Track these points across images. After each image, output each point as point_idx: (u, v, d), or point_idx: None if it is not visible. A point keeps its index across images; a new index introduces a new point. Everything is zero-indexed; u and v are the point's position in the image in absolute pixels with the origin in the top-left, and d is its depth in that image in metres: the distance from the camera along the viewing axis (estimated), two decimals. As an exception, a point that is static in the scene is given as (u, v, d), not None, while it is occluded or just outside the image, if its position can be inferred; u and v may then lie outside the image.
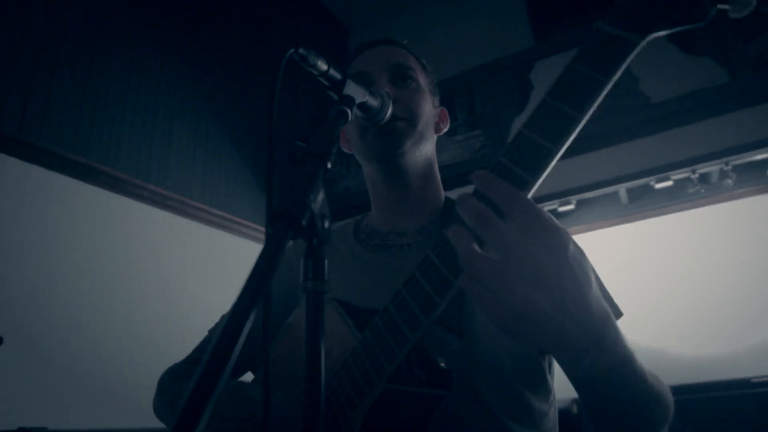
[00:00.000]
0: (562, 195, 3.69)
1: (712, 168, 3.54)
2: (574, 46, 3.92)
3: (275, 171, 0.63)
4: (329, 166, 0.59)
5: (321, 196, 0.56)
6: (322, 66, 0.73)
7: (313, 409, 0.49)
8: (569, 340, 0.54)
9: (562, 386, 0.91)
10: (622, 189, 3.83)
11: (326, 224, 0.56)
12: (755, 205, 3.94)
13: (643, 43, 0.55)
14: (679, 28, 0.55)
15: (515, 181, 0.56)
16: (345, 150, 1.12)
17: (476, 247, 0.54)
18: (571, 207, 3.83)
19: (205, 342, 1.15)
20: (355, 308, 0.86)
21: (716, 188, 3.77)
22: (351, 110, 0.74)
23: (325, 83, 0.76)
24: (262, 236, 3.85)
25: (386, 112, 0.87)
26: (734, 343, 3.80)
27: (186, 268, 3.25)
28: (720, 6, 0.54)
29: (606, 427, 0.66)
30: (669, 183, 3.59)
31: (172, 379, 1.05)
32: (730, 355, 3.79)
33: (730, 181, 3.55)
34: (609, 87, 0.55)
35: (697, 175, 3.56)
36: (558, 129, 0.55)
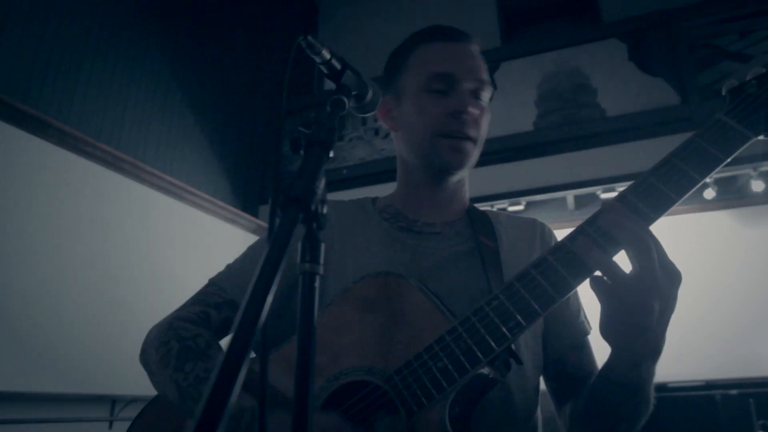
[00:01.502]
0: (513, 195, 3.80)
1: (654, 185, 3.72)
2: (539, 51, 4.03)
3: (248, 151, 0.65)
4: (332, 154, 0.62)
5: (323, 183, 0.58)
6: (326, 55, 0.75)
7: (303, 391, 0.52)
8: (645, 348, 0.75)
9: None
10: (570, 195, 3.98)
11: (325, 210, 0.59)
12: (692, 223, 4.18)
13: (753, 139, 0.78)
14: None
15: (639, 213, 0.76)
16: (385, 124, 1.12)
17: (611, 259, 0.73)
18: (520, 207, 3.96)
19: (211, 294, 1.02)
20: (432, 291, 0.88)
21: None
22: (348, 100, 0.76)
23: (325, 71, 0.78)
24: (217, 209, 3.79)
25: (376, 104, 0.89)
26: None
27: (137, 234, 3.17)
28: None
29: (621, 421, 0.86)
30: (614, 194, 3.76)
31: (186, 352, 0.89)
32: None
33: (670, 199, 3.75)
34: (725, 163, 0.76)
35: (640, 190, 3.74)
36: (681, 185, 0.76)
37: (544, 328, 1.01)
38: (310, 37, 0.71)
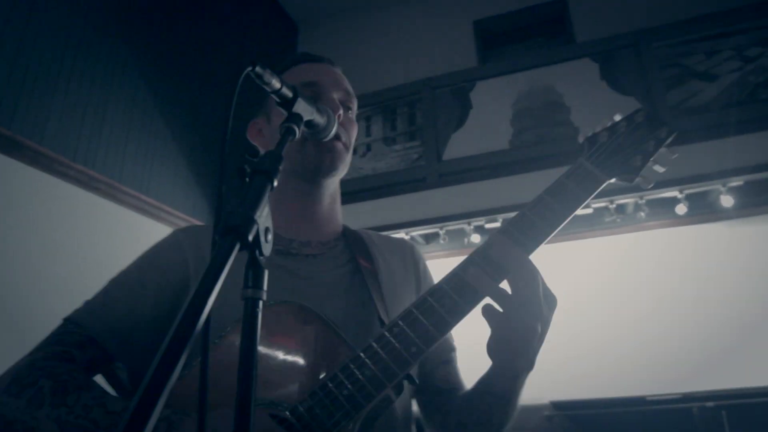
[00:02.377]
0: (489, 213, 3.85)
1: (628, 200, 3.80)
2: (514, 71, 4.10)
3: (213, 178, 0.67)
4: (275, 183, 0.64)
5: (266, 210, 0.60)
6: (276, 84, 0.77)
7: (245, 416, 0.53)
8: (525, 363, 0.85)
9: (536, 391, 1.04)
10: (546, 212, 4.03)
11: (269, 237, 0.61)
12: (663, 238, 4.25)
13: (606, 182, 0.91)
14: (620, 181, 0.95)
15: (519, 244, 0.85)
16: (256, 144, 1.13)
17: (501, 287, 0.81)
18: (497, 224, 4.00)
19: (72, 333, 0.95)
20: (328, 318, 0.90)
21: (630, 219, 4.05)
22: (299, 127, 0.78)
23: (277, 99, 0.80)
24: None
25: (331, 130, 0.92)
26: (631, 362, 4.08)
27: (112, 255, 3.14)
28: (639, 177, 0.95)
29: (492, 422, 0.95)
30: (589, 210, 3.83)
31: (57, 388, 0.81)
32: (625, 375, 4.06)
33: (642, 214, 3.82)
34: (586, 202, 0.90)
35: (614, 206, 3.82)
36: (551, 219, 0.87)
37: None
38: (258, 67, 0.73)
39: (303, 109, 0.82)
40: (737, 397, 3.59)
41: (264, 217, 0.59)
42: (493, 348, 0.85)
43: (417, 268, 1.18)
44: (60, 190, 2.93)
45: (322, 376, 0.83)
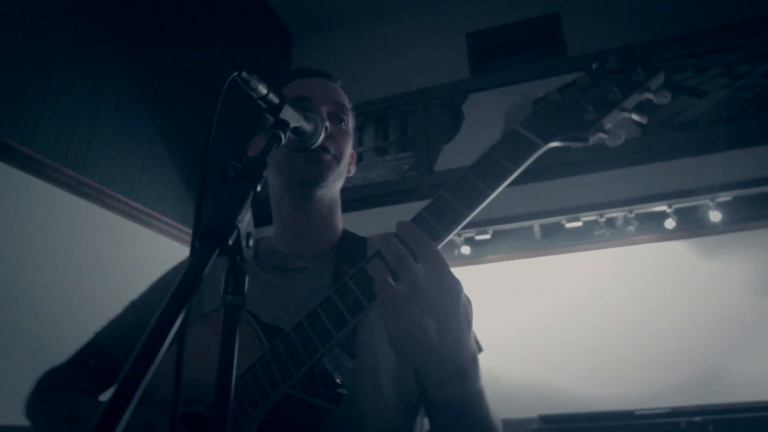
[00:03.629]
0: (479, 225, 3.85)
1: (617, 214, 3.82)
2: (506, 84, 4.13)
3: (206, 184, 0.67)
4: (258, 189, 0.64)
5: (248, 216, 0.60)
6: (262, 90, 0.77)
7: (223, 419, 0.52)
8: (442, 367, 0.71)
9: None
10: (536, 225, 4.05)
11: (250, 243, 0.60)
12: (652, 252, 4.27)
13: (545, 148, 0.75)
14: (570, 143, 0.78)
15: (431, 233, 0.71)
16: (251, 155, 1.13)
17: (391, 279, 0.69)
18: (487, 237, 4.01)
19: (90, 345, 1.10)
20: (262, 322, 0.88)
21: (620, 233, 4.07)
22: (285, 134, 0.78)
23: (263, 105, 0.80)
24: (184, 235, 3.76)
25: (318, 138, 0.92)
26: (619, 376, 4.08)
27: (101, 261, 3.12)
28: (599, 136, 0.78)
29: None
30: (579, 224, 3.84)
31: (54, 387, 0.99)
32: (613, 389, 4.07)
33: (632, 228, 3.84)
34: (516, 173, 0.74)
35: (604, 219, 3.83)
36: (471, 198, 0.73)
37: None
38: (244, 73, 0.73)
39: (290, 115, 0.81)
40: (725, 412, 3.60)
41: (246, 222, 0.59)
42: (394, 350, 0.72)
43: None
44: (50, 195, 2.91)
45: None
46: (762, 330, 3.99)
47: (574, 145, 0.78)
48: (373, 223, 3.97)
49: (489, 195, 0.72)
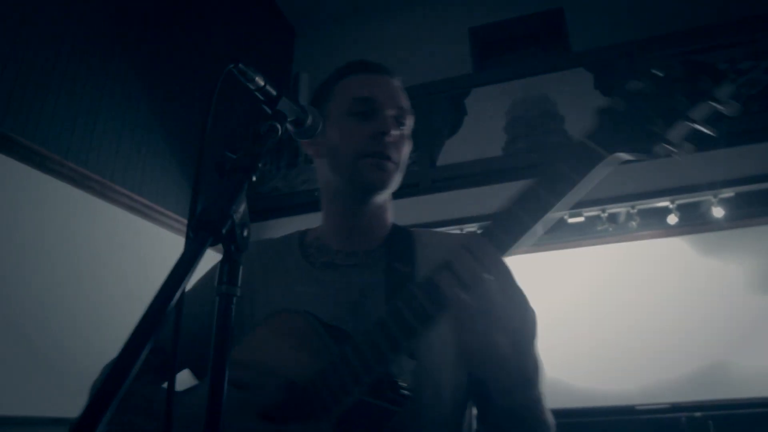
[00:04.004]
0: (482, 219, 3.84)
1: (619, 209, 3.81)
2: (509, 79, 4.12)
3: (203, 176, 0.67)
4: (254, 179, 0.64)
5: (243, 207, 0.60)
6: (260, 82, 0.77)
7: (215, 408, 0.53)
8: (509, 377, 0.75)
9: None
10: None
11: (245, 233, 0.60)
12: (654, 248, 4.26)
13: (609, 158, 0.75)
14: (634, 154, 0.76)
15: (499, 245, 0.74)
16: (309, 153, 1.13)
17: (463, 293, 0.71)
18: (490, 231, 4.00)
19: None
20: (324, 323, 0.90)
21: (622, 228, 4.06)
22: (282, 126, 0.78)
23: (261, 98, 0.80)
24: (185, 228, 3.77)
25: (317, 129, 0.92)
26: (621, 371, 4.08)
27: (103, 254, 3.13)
28: (665, 148, 0.75)
29: None
30: (581, 219, 3.83)
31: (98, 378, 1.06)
32: (614, 384, 4.07)
33: (634, 224, 3.83)
34: (582, 184, 0.75)
35: (606, 215, 3.82)
36: (538, 209, 0.74)
37: None
38: (241, 65, 0.73)
39: (287, 107, 0.81)
40: (725, 407, 3.61)
41: (241, 212, 0.59)
42: (464, 360, 0.76)
43: None
44: (52, 188, 2.92)
45: (303, 379, 0.84)
46: (763, 326, 3.98)
47: (638, 156, 0.76)
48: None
49: (554, 205, 0.74)
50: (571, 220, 3.85)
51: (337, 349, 0.83)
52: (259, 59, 5.07)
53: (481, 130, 3.96)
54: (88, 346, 2.83)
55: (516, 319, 0.72)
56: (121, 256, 3.26)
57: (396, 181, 1.08)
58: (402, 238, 1.11)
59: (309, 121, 0.89)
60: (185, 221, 3.78)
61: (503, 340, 0.72)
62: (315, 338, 0.88)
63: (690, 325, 4.09)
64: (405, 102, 1.10)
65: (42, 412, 2.62)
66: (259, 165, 0.66)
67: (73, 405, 2.23)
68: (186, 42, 4.21)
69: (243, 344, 0.92)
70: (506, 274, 0.73)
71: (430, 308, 0.75)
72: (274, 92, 0.79)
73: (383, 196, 1.08)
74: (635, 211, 3.74)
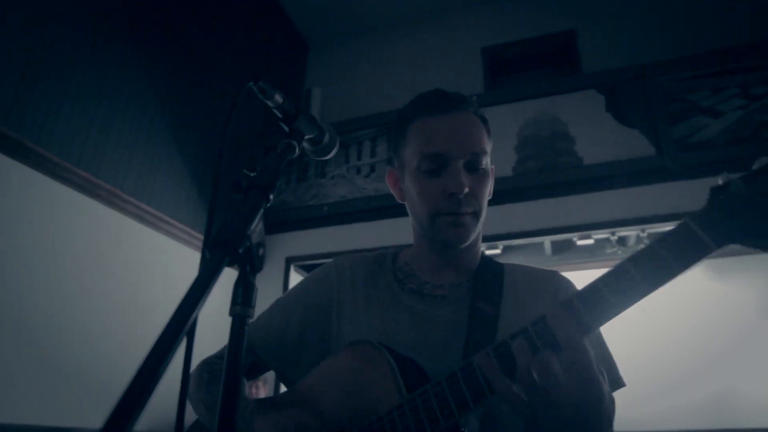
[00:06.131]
0: (491, 239, 3.83)
1: (630, 233, 3.78)
2: (520, 99, 4.12)
3: (219, 192, 0.66)
4: (271, 198, 0.63)
5: (260, 226, 0.59)
6: (278, 99, 0.77)
7: (227, 427, 0.52)
8: None
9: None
10: (547, 241, 4.02)
11: (261, 252, 0.60)
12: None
13: (716, 251, 0.67)
14: (749, 248, 0.67)
15: (580, 323, 0.70)
16: (394, 193, 1.15)
17: (512, 385, 0.71)
18: (498, 251, 3.98)
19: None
20: (396, 354, 0.91)
21: (632, 252, 4.02)
22: (299, 144, 0.78)
23: (279, 115, 0.80)
24: (195, 240, 3.77)
25: (333, 148, 0.91)
26: (626, 396, 4.03)
27: (111, 262, 3.14)
28: None
29: None
30: (590, 241, 3.81)
31: (212, 379, 1.07)
32: (629, 416, 4.01)
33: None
34: (684, 272, 0.67)
35: (615, 237, 3.80)
36: (629, 294, 0.69)
37: None
38: (261, 82, 0.73)
39: (305, 126, 0.81)
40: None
41: (258, 232, 0.59)
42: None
43: None
44: (62, 195, 2.93)
45: (367, 418, 0.86)
46: (775, 355, 3.93)
47: (753, 251, 0.69)
48: (386, 234, 3.97)
49: (647, 294, 0.68)
50: (580, 242, 3.82)
51: (407, 395, 0.84)
52: (271, 73, 5.10)
53: (493, 150, 3.95)
54: (94, 354, 2.82)
55: (584, 405, 0.69)
56: (128, 264, 3.26)
57: (476, 230, 1.05)
58: (490, 273, 1.09)
59: (326, 139, 0.88)
60: (194, 233, 3.79)
61: (561, 416, 0.69)
62: (388, 380, 0.88)
63: (700, 350, 4.05)
64: (481, 143, 1.03)
65: (47, 421, 2.61)
66: (277, 184, 0.65)
67: (81, 415, 2.21)
68: (201, 56, 4.24)
69: (316, 374, 0.96)
70: (583, 359, 0.68)
71: (499, 371, 0.74)
72: (292, 110, 0.79)
73: (467, 245, 1.07)
74: (645, 234, 3.71)
